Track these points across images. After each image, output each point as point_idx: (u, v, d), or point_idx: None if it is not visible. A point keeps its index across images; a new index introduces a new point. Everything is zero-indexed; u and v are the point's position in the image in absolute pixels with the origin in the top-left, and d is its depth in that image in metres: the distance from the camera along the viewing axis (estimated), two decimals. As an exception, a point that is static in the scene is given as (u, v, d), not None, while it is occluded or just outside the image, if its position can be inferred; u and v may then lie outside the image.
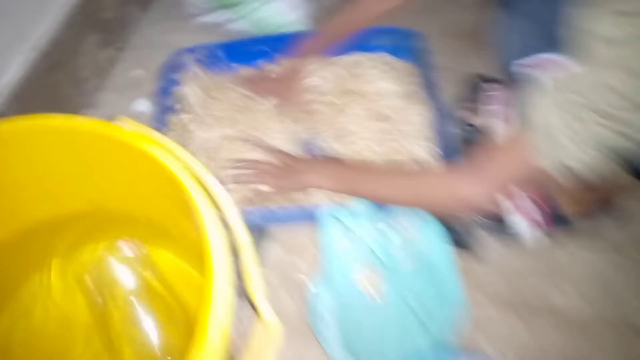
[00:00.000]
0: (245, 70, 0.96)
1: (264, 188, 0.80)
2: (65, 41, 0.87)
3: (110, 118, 0.89)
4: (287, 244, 0.83)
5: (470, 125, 0.92)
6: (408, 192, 0.68)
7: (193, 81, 0.93)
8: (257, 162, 0.82)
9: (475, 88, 0.98)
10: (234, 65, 0.97)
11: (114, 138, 0.53)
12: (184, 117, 0.89)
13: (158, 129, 0.84)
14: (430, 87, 0.89)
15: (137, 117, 0.93)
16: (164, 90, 0.91)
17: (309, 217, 0.77)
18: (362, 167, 0.77)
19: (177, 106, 0.91)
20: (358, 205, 0.75)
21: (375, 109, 0.89)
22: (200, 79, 0.93)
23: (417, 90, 0.91)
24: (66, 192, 0.62)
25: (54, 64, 0.86)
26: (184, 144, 0.85)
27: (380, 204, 0.74)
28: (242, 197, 0.80)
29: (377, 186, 0.71)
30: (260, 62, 0.96)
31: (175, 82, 0.93)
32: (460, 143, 0.89)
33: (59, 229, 0.68)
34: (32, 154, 0.56)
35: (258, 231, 0.81)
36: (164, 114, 0.88)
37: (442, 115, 0.86)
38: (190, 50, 0.95)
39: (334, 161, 0.81)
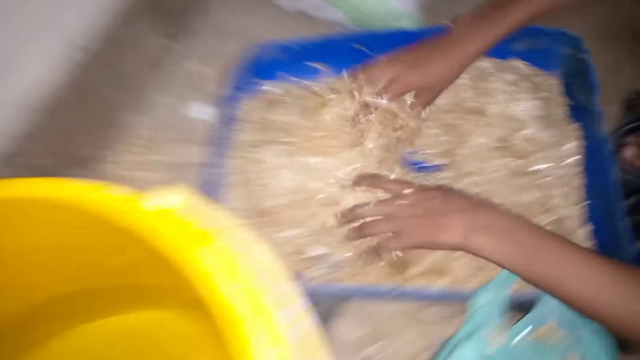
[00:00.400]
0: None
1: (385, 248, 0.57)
2: (108, 27, 0.68)
3: (162, 124, 0.67)
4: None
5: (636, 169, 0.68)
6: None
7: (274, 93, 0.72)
8: (379, 204, 0.58)
9: (633, 109, 0.73)
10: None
11: (115, 224, 0.33)
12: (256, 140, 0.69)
13: (218, 151, 0.65)
14: (586, 114, 0.65)
15: (193, 127, 0.75)
16: (234, 97, 0.71)
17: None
18: (553, 237, 0.50)
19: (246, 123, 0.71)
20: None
21: (507, 138, 0.66)
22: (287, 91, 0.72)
23: (566, 117, 0.68)
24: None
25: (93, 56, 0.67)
26: (249, 177, 0.66)
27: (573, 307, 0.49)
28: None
29: (579, 277, 0.47)
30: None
31: (251, 86, 0.73)
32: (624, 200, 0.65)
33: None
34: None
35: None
36: (228, 128, 0.69)
37: (604, 157, 0.62)
38: (283, 48, 0.73)
39: (504, 213, 0.53)
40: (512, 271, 0.50)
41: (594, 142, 0.64)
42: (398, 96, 0.62)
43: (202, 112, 0.77)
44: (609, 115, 0.70)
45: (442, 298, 0.59)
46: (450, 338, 0.54)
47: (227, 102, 0.70)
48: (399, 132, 0.64)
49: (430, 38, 0.63)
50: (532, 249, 0.49)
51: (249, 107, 0.72)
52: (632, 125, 0.68)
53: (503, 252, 0.49)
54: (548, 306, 0.53)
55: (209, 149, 0.65)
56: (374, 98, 0.62)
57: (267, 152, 0.66)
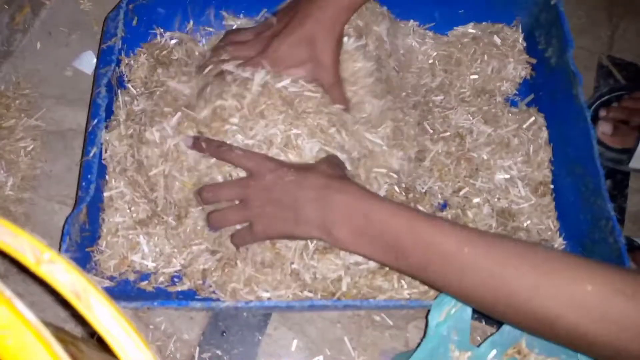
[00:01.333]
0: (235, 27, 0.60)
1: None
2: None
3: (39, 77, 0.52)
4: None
5: (613, 149, 0.59)
6: (536, 296, 0.35)
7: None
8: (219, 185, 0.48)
9: (606, 79, 0.64)
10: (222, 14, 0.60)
11: None
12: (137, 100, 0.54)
13: (97, 125, 0.49)
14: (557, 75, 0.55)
15: (77, 82, 0.60)
16: (113, 49, 0.53)
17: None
18: (421, 218, 0.40)
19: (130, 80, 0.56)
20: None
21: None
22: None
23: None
24: None
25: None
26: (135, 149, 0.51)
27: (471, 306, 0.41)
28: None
29: (470, 270, 0.37)
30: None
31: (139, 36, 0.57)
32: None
33: None
34: None
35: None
36: (109, 86, 0.52)
37: (583, 128, 0.52)
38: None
39: (355, 186, 0.44)
40: (381, 261, 0.42)
41: (569, 110, 0.54)
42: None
43: (89, 63, 0.60)
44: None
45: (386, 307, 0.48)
46: (407, 353, 0.44)
47: (105, 56, 0.53)
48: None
49: None
50: (395, 240, 0.39)
51: (135, 65, 0.57)
52: (605, 97, 0.60)
53: (365, 247, 0.41)
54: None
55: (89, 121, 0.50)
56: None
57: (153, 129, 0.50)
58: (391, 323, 0.53)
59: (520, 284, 0.35)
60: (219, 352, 0.51)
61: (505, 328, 0.42)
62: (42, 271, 0.20)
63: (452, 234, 0.38)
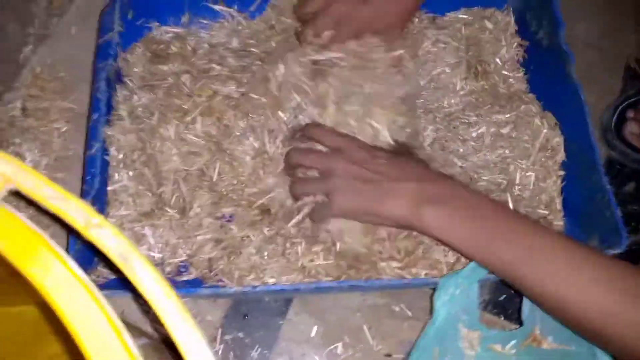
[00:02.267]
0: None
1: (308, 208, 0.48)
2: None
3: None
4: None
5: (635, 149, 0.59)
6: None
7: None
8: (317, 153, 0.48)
9: (633, 80, 0.64)
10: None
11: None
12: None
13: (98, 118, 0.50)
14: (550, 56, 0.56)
15: None
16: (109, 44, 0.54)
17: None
18: (522, 219, 0.42)
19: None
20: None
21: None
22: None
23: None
24: None
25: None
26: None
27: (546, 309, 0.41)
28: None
29: (554, 269, 0.38)
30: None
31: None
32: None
33: None
34: None
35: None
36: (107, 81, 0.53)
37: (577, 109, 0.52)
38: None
39: (465, 187, 0.44)
40: (465, 255, 0.42)
41: (563, 89, 0.54)
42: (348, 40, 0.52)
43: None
44: (607, 87, 0.60)
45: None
46: (417, 339, 0.45)
47: (103, 51, 0.53)
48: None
49: None
50: (492, 230, 0.40)
51: (132, 59, 0.57)
52: (632, 99, 0.59)
53: (456, 231, 0.41)
54: (531, 313, 0.44)
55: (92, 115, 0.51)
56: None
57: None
58: (410, 314, 0.53)
59: (602, 309, 0.36)
60: (240, 335, 0.52)
61: (525, 321, 0.42)
62: (91, 234, 0.21)
63: (549, 241, 0.39)
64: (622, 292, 0.36)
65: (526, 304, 0.44)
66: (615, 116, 0.59)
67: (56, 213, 0.21)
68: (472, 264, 0.43)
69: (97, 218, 0.21)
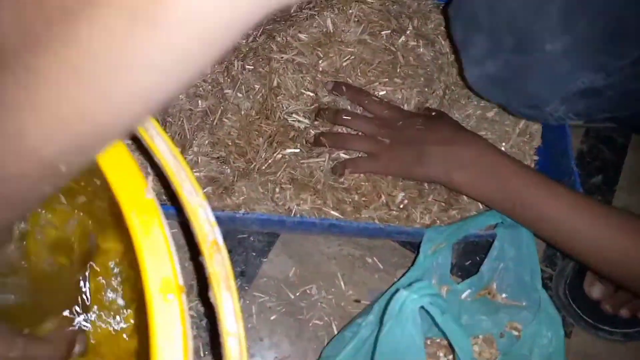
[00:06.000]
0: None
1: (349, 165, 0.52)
2: None
3: None
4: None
5: None
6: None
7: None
8: (350, 114, 0.53)
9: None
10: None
11: None
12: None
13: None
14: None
15: None
16: None
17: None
18: (541, 177, 0.46)
19: None
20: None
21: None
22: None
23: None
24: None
25: None
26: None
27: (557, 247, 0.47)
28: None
29: (573, 218, 0.43)
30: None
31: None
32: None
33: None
34: None
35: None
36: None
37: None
38: None
39: (490, 147, 0.49)
40: (493, 207, 0.48)
41: None
42: None
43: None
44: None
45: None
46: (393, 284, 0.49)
47: None
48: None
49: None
50: (516, 187, 0.45)
51: None
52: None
53: (484, 190, 0.47)
54: (490, 271, 0.49)
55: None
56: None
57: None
58: (381, 267, 0.58)
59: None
60: (223, 267, 0.56)
61: (483, 273, 0.47)
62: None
63: (564, 199, 0.44)
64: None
65: (487, 263, 0.49)
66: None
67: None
68: (454, 225, 0.48)
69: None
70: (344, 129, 0.54)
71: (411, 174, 0.51)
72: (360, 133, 0.53)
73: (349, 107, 0.55)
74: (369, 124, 0.52)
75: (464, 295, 0.46)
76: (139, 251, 0.26)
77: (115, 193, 0.26)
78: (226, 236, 0.57)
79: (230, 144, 0.57)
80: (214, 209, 0.52)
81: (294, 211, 0.52)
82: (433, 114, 0.54)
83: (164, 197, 0.50)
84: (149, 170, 0.32)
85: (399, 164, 0.50)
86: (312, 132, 0.55)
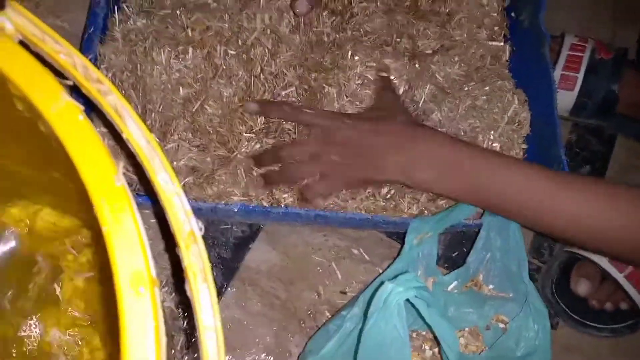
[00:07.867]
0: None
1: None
2: None
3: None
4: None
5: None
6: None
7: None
8: (287, 146, 0.49)
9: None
10: None
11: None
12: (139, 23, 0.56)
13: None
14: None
15: None
16: None
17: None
18: (500, 157, 0.46)
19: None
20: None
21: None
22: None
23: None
24: None
25: None
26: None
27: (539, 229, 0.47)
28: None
29: (550, 198, 0.42)
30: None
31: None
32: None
33: None
34: None
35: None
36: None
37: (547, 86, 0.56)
38: None
39: (443, 138, 0.46)
40: (466, 202, 0.46)
41: (536, 67, 0.58)
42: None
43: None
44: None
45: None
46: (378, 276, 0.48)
47: None
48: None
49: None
50: (485, 175, 0.43)
51: None
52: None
53: (451, 185, 0.45)
54: (477, 261, 0.48)
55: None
56: None
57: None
58: (368, 258, 0.57)
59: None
60: (205, 257, 0.55)
61: (469, 264, 0.46)
62: (92, 88, 0.23)
63: (540, 182, 0.42)
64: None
65: (473, 253, 0.48)
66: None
67: (61, 65, 0.23)
68: (439, 215, 0.47)
69: (97, 74, 0.24)
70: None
71: (372, 181, 0.48)
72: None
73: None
74: (310, 146, 0.48)
75: (450, 287, 0.46)
76: (108, 241, 0.24)
77: (84, 180, 0.24)
78: (209, 227, 0.56)
79: (211, 131, 0.55)
80: (195, 199, 0.52)
81: (280, 202, 0.51)
82: (383, 113, 0.49)
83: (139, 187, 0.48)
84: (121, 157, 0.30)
85: (355, 176, 0.47)
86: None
